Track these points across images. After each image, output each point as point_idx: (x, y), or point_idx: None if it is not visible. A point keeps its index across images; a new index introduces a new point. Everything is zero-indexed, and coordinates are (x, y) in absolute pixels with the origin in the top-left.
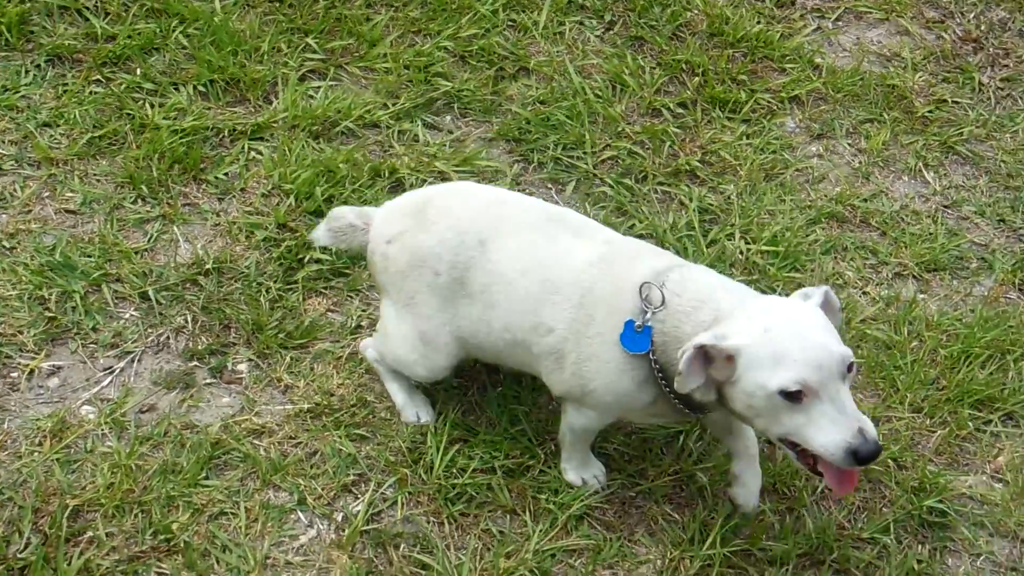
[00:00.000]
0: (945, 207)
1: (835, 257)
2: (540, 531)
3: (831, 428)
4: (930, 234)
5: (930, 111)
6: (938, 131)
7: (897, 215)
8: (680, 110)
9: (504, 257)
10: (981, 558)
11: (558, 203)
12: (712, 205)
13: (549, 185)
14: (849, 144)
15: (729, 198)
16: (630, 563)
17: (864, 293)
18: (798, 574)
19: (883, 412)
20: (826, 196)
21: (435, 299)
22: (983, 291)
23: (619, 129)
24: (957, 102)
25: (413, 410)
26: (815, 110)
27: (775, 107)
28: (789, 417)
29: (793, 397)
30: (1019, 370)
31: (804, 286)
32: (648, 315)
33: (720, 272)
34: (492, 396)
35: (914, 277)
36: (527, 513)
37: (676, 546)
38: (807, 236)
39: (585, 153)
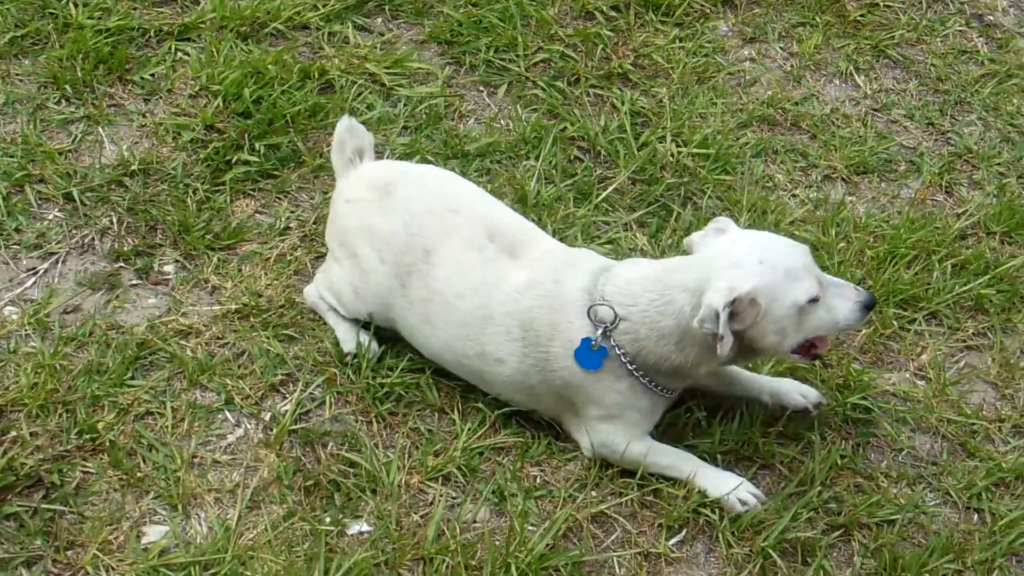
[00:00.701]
0: (875, 110)
1: (765, 160)
2: (469, 429)
3: (842, 302)
4: (860, 137)
5: (862, 15)
6: (870, 35)
7: (827, 118)
8: (613, 13)
9: (443, 275)
10: (903, 453)
11: (490, 106)
12: (644, 108)
13: (481, 88)
14: (781, 48)
15: (661, 101)
16: (558, 460)
17: (793, 195)
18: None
19: None
20: (758, 99)
21: (374, 274)
22: (910, 193)
23: (552, 32)
24: (889, 6)
25: (354, 340)
26: (748, 13)
27: (708, 10)
28: (814, 317)
29: (815, 299)
30: (944, 270)
31: (734, 189)
32: (597, 333)
33: (651, 175)
34: None
35: (843, 179)
36: (455, 412)
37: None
38: (738, 139)
39: (517, 56)
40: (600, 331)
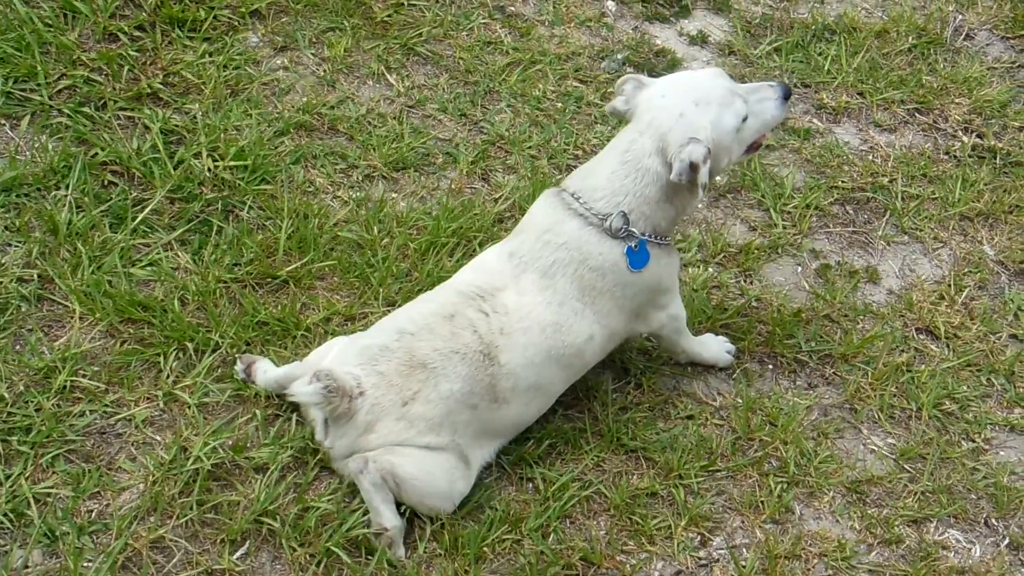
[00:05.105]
0: (410, 107)
1: (305, 165)
2: (15, 475)
3: (766, 104)
4: (397, 134)
5: (389, 15)
6: (398, 34)
7: (364, 119)
8: (138, 33)
9: (511, 356)
10: None
11: (13, 139)
12: (178, 126)
13: (3, 121)
14: (313, 54)
15: (195, 117)
16: (112, 491)
17: (336, 197)
18: (283, 477)
19: (359, 309)
20: (293, 107)
21: (472, 428)
22: (449, 184)
23: (74, 57)
24: (414, 4)
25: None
26: (277, 23)
27: (236, 23)
28: (749, 129)
29: (745, 116)
30: None
31: (276, 197)
32: (623, 233)
33: (189, 192)
34: None
35: (383, 177)
36: None
37: (159, 467)
38: (276, 148)
39: (39, 85)
40: (628, 237)
